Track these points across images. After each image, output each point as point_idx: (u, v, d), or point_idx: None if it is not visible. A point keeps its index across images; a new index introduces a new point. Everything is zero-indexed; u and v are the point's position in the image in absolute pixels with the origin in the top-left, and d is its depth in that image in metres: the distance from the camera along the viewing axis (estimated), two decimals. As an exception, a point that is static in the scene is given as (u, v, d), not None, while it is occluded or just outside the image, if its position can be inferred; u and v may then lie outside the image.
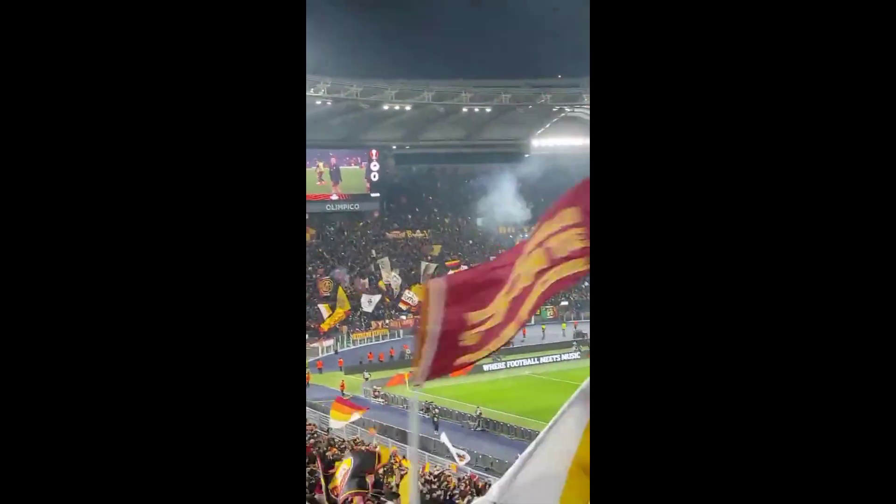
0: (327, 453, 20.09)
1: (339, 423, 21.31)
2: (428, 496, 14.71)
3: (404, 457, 20.81)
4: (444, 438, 21.11)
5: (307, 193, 58.54)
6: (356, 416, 21.24)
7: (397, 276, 50.62)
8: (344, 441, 23.75)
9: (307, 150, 57.96)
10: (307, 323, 44.60)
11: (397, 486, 13.01)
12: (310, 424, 23.60)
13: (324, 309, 42.37)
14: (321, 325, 43.35)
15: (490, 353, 3.65)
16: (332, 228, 59.13)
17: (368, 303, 46.79)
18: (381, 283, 49.26)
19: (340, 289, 45.43)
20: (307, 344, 43.52)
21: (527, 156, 63.65)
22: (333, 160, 59.85)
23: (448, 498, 15.09)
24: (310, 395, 29.29)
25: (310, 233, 57.16)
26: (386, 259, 52.98)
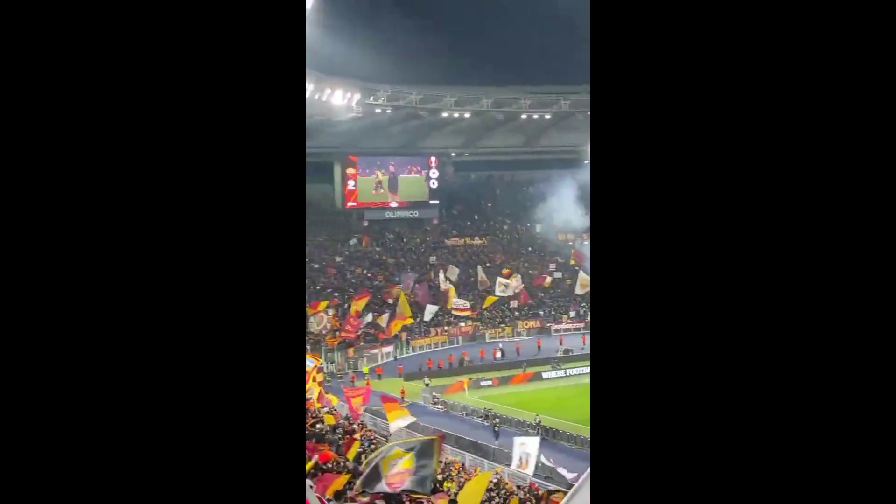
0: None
1: (397, 423, 21.47)
2: (487, 504, 14.66)
3: (463, 465, 20.80)
4: (530, 443, 20.74)
5: (365, 201, 59.28)
6: (410, 418, 21.41)
7: (451, 283, 50.57)
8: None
9: (367, 158, 58.77)
10: (368, 329, 44.99)
11: (455, 493, 13.00)
12: (369, 430, 23.73)
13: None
14: (387, 331, 43.64)
15: None
16: (391, 235, 59.56)
17: (430, 312, 46.99)
18: (451, 293, 49.19)
19: (403, 296, 45.67)
20: (368, 350, 43.96)
21: (586, 162, 63.08)
22: (392, 168, 60.35)
23: (507, 506, 15.01)
24: (370, 402, 29.49)
25: (365, 240, 57.73)
26: (454, 268, 53.09)
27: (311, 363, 28.50)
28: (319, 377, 29.45)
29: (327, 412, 23.86)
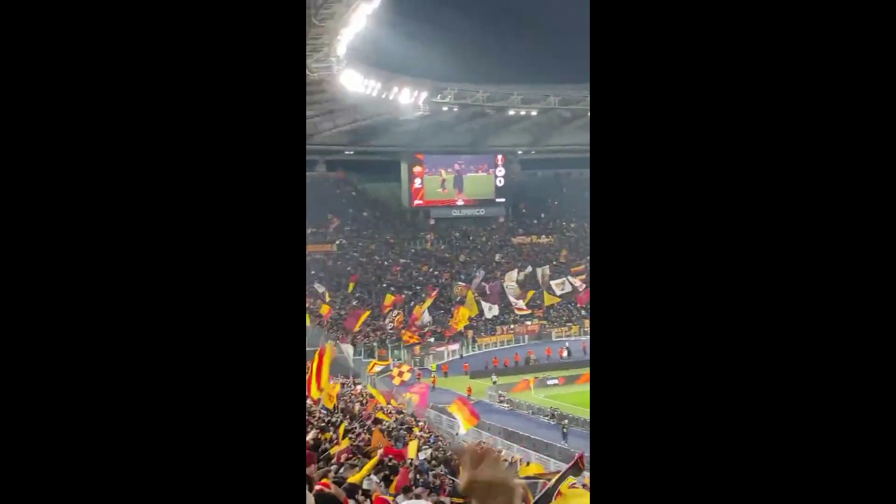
0: (451, 455, 20.19)
1: (462, 426, 21.53)
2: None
3: (528, 463, 20.67)
4: None
5: (431, 199, 59.54)
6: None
7: (515, 284, 50.08)
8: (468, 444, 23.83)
9: (434, 157, 59.02)
10: (434, 327, 45.16)
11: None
12: (434, 426, 23.81)
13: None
14: (452, 326, 43.65)
15: None
16: (458, 234, 59.67)
17: (489, 309, 46.78)
18: (529, 295, 48.77)
19: (470, 293, 45.71)
20: (434, 348, 44.13)
21: (655, 159, 61.96)
22: (458, 167, 60.44)
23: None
24: (434, 399, 29.57)
25: (430, 238, 57.96)
26: (528, 269, 52.80)
27: (392, 363, 28.69)
28: (406, 376, 29.47)
29: (386, 412, 23.90)
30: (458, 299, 47.49)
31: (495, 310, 46.91)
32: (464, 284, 49.85)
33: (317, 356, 16.24)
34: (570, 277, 50.30)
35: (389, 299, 41.98)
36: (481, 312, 46.02)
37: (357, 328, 38.63)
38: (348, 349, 32.15)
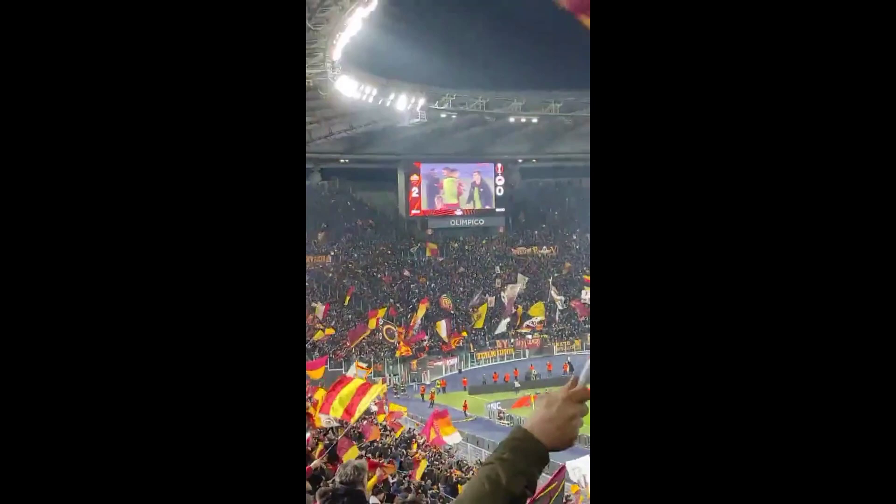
0: (450, 473, 19.23)
1: (453, 437, 20.43)
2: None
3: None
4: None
5: (429, 209, 58.45)
6: (457, 436, 20.16)
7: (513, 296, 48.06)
8: (467, 464, 22.98)
9: (432, 165, 57.99)
10: (426, 342, 43.86)
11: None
12: (434, 446, 22.68)
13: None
14: (448, 344, 42.37)
15: None
16: (456, 245, 58.49)
17: (503, 326, 45.21)
18: (519, 310, 47.12)
19: (484, 307, 44.50)
20: (432, 362, 42.93)
21: (659, 169, 61.32)
22: (458, 175, 59.43)
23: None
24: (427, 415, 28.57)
25: (431, 248, 56.66)
26: (525, 278, 50.76)
27: (361, 374, 27.16)
28: (384, 388, 28.09)
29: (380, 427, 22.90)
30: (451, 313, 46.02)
31: (503, 325, 45.21)
32: (445, 295, 48.25)
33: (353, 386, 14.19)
34: (554, 293, 48.75)
35: (381, 312, 40.26)
36: (486, 327, 44.65)
37: (353, 345, 37.62)
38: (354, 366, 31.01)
